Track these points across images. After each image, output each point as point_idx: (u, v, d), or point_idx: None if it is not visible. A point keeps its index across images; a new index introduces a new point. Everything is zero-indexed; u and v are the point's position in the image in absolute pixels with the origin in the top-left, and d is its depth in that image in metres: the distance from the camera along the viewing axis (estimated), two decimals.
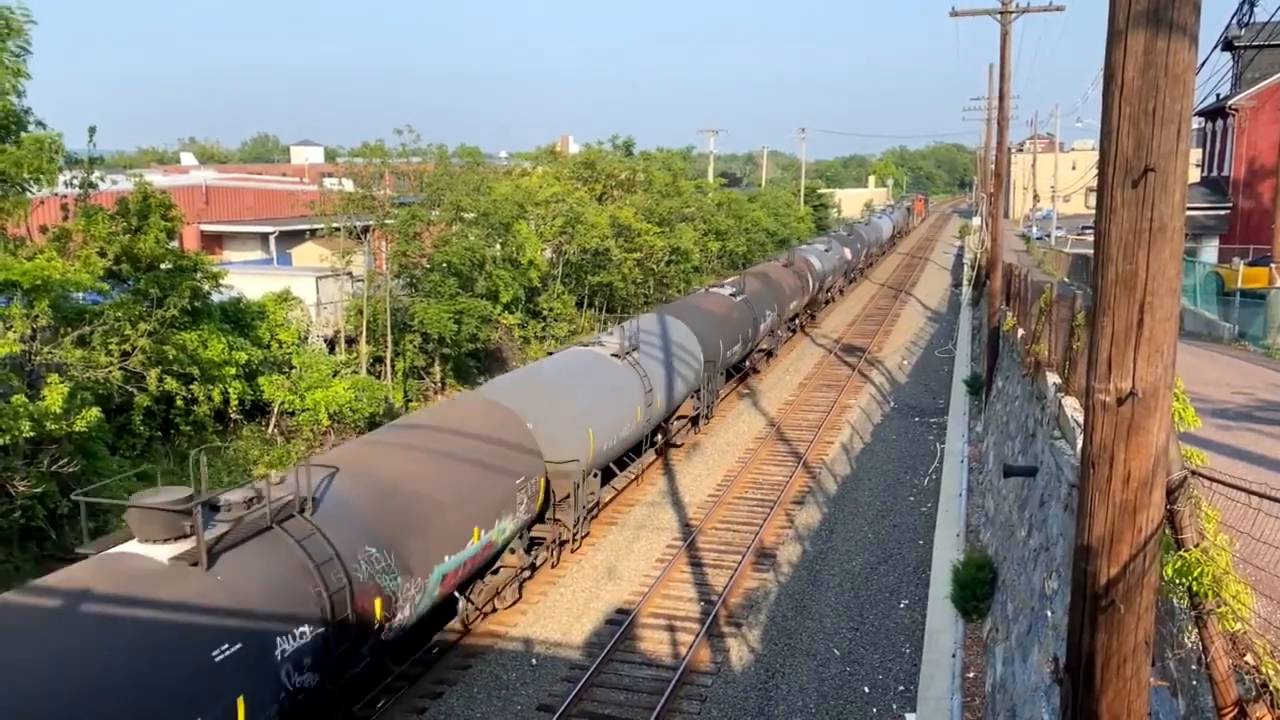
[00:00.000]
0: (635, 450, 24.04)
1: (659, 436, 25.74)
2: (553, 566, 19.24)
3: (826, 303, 54.36)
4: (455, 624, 16.63)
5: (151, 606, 9.84)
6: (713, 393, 29.72)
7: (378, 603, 12.54)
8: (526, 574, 18.16)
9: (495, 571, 17.18)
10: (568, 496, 18.83)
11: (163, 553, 10.43)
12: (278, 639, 10.83)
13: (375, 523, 13.00)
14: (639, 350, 23.63)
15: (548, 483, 18.06)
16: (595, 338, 24.76)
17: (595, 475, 20.49)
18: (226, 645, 10.16)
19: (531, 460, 17.29)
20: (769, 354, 38.75)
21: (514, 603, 17.66)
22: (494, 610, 17.35)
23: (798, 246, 58.51)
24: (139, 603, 9.81)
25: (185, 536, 10.61)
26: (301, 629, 11.18)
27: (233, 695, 10.10)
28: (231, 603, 10.44)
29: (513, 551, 17.39)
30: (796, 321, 45.26)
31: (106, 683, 9.02)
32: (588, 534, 20.60)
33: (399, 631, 13.41)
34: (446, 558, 14.37)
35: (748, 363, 35.67)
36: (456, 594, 15.96)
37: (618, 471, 23.52)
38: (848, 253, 60.44)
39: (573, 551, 19.91)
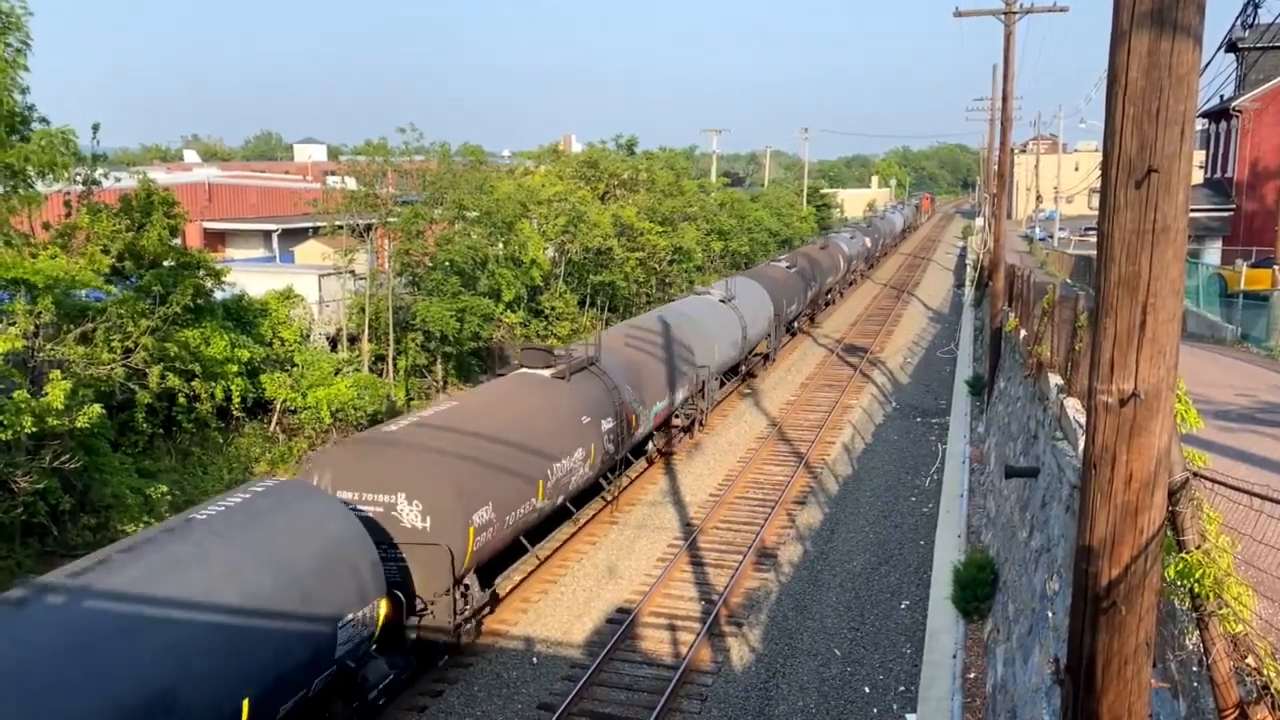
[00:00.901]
0: (733, 371, 32.84)
1: (742, 366, 33.99)
2: (690, 437, 27.65)
3: (851, 284, 63.65)
4: (645, 459, 25.21)
5: (551, 393, 19.09)
6: (778, 339, 38.39)
7: (633, 418, 21.69)
8: (683, 434, 27.06)
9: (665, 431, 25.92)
10: (701, 389, 27.56)
11: (545, 373, 19.76)
12: (601, 421, 19.98)
13: (628, 374, 22.12)
14: (736, 299, 32.36)
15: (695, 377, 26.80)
16: (705, 288, 34.08)
17: (716, 379, 29.40)
18: (585, 416, 19.36)
19: (690, 358, 26.15)
20: (810, 318, 49.04)
21: (669, 454, 26.15)
22: (668, 455, 26.09)
23: (830, 234, 70.35)
24: (546, 391, 19.06)
25: (550, 366, 19.94)
26: (608, 419, 20.33)
27: (590, 443, 19.33)
28: (582, 398, 19.63)
29: (677, 417, 26.40)
30: (829, 295, 54.40)
31: (547, 423, 18.13)
32: (705, 423, 28.87)
33: (639, 439, 22.94)
34: (657, 404, 23.60)
35: (796, 323, 44.25)
36: (653, 433, 24.57)
37: (726, 381, 31.83)
38: (868, 241, 72.35)
39: (700, 430, 28.34)
